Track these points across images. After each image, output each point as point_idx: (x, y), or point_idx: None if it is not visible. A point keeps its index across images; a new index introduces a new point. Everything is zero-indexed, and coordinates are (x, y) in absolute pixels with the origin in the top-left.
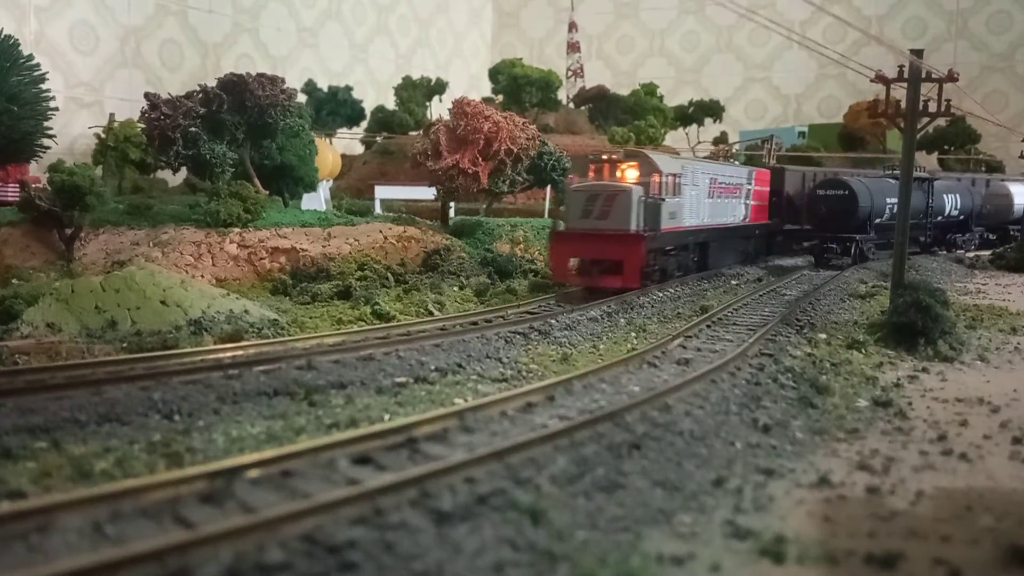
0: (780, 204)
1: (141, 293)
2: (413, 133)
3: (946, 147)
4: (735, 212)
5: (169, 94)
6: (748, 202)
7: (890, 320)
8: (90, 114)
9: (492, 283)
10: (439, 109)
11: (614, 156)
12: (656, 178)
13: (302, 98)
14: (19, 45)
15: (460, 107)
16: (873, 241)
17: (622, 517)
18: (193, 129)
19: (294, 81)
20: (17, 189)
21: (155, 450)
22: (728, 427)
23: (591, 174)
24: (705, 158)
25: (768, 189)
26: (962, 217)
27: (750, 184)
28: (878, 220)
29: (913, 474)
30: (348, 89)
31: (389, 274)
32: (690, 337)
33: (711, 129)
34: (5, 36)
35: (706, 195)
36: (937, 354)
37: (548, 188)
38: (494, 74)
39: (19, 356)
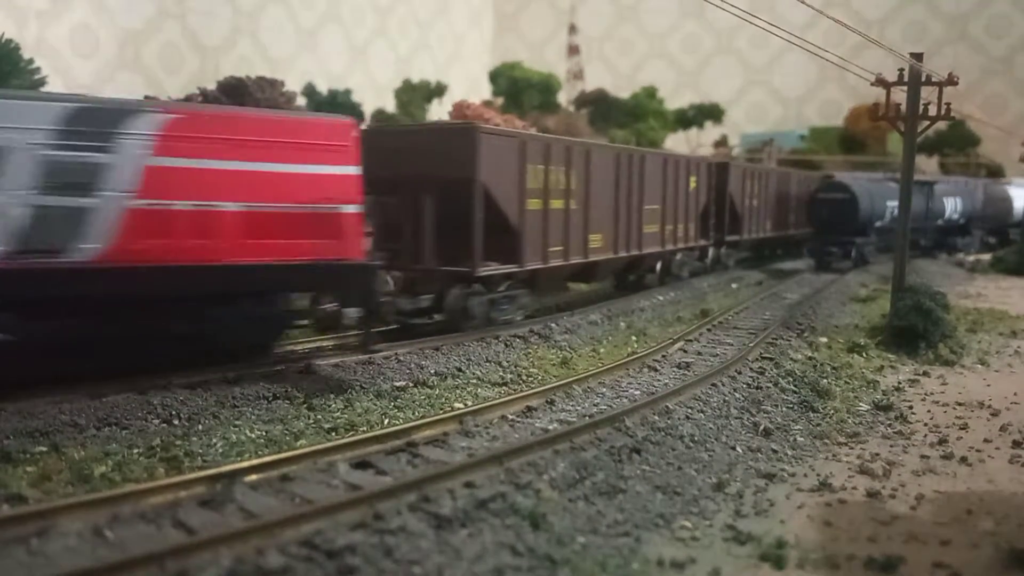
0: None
1: None
2: None
3: (946, 151)
4: None
5: (169, 97)
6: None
7: (891, 323)
8: None
9: None
10: (439, 112)
11: None
12: None
13: (301, 101)
14: (19, 49)
15: (460, 110)
16: (873, 244)
17: (622, 521)
18: None
19: (293, 84)
20: None
21: (154, 454)
22: (729, 431)
23: None
24: None
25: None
26: (962, 220)
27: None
28: (878, 223)
29: (914, 478)
30: (347, 92)
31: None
32: (690, 341)
33: (712, 132)
34: (5, 40)
35: None
36: (938, 358)
37: None
38: (494, 77)
39: None
